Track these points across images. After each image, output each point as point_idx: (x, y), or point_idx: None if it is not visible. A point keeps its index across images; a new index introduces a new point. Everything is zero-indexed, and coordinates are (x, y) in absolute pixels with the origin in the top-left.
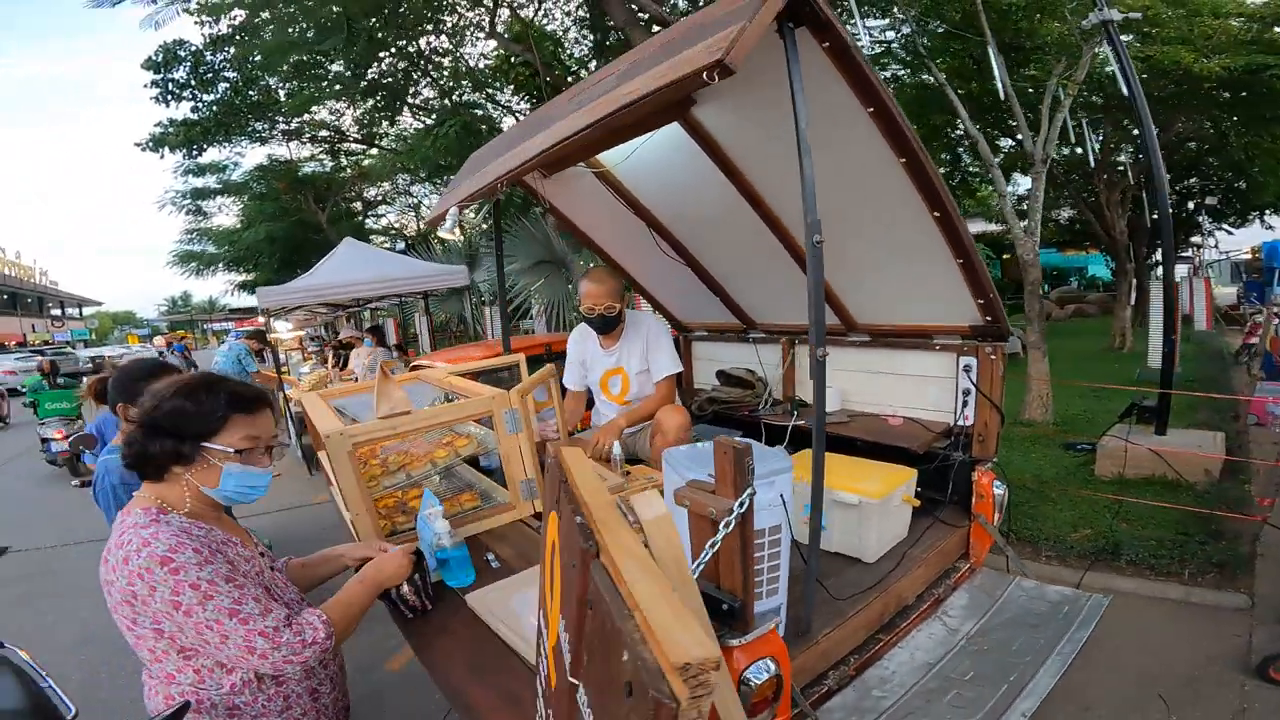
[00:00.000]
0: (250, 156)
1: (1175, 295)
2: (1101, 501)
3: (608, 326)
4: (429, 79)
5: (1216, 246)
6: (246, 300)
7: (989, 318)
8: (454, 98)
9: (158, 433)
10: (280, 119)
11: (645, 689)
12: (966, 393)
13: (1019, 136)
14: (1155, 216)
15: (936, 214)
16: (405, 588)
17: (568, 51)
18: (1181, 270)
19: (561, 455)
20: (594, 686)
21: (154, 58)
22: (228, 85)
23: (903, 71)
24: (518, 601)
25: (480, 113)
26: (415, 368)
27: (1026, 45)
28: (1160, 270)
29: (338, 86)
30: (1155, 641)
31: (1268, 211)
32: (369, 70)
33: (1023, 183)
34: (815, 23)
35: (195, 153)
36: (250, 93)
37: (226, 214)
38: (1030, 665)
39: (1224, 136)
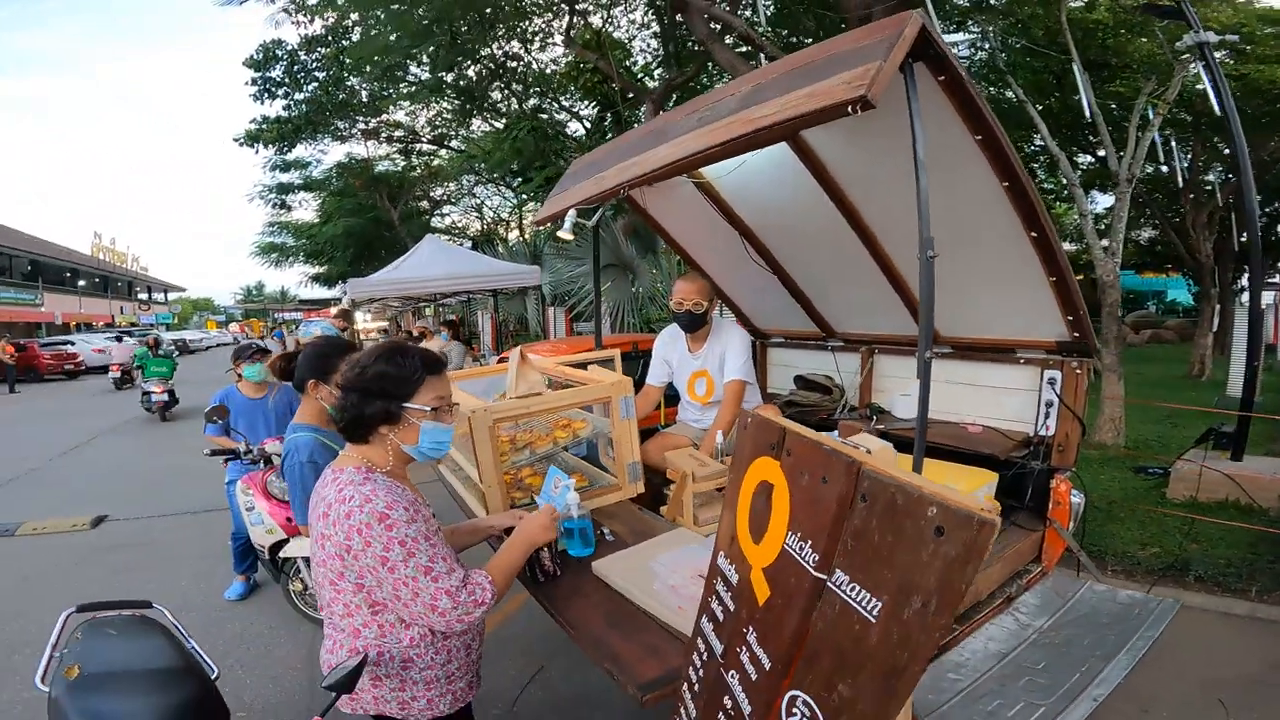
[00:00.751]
0: (330, 155)
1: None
2: (1170, 522)
3: (694, 324)
4: (502, 83)
5: None
6: (318, 292)
7: (1077, 334)
8: (525, 103)
9: (369, 396)
10: (360, 118)
11: (966, 519)
12: (1049, 404)
13: (1101, 153)
14: (1244, 239)
15: (1034, 234)
16: (544, 554)
17: (633, 60)
18: (1267, 297)
19: (767, 416)
20: (860, 564)
21: (254, 56)
22: (317, 85)
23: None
24: (657, 564)
25: (545, 117)
26: (502, 360)
27: (1112, 63)
28: (1245, 296)
29: (425, 90)
30: (1218, 652)
31: None
32: (449, 74)
33: (1101, 201)
34: (933, 59)
35: (286, 148)
36: (337, 92)
37: (305, 209)
38: (1101, 659)
39: None
